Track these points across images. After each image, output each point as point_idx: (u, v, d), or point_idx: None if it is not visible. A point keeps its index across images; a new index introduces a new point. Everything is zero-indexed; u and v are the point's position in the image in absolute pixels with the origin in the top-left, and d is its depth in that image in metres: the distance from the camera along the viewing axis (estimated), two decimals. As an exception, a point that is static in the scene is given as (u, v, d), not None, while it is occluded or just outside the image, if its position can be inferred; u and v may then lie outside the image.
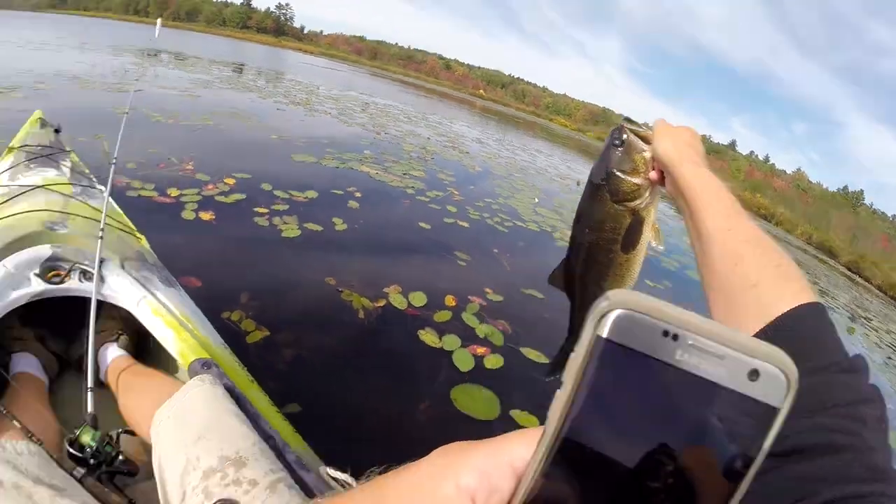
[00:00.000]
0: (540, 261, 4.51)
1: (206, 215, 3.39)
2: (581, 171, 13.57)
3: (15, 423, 1.06)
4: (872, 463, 0.40)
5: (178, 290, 1.63)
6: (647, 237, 0.87)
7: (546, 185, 8.54)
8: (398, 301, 2.95)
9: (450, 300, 3.14)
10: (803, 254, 16.86)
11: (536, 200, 6.57)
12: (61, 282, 1.46)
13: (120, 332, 1.61)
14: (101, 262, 1.49)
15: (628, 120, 0.85)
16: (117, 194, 3.27)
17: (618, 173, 0.84)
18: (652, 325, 0.21)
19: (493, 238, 4.60)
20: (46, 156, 2.29)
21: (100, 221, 1.68)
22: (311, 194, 4.21)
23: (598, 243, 0.90)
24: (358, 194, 4.50)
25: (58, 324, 1.67)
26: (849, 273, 17.78)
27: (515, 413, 2.40)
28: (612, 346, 0.21)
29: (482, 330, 2.94)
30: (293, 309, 2.70)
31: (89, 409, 1.22)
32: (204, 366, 1.29)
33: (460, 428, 2.26)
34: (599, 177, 0.86)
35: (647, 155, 0.82)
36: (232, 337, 2.34)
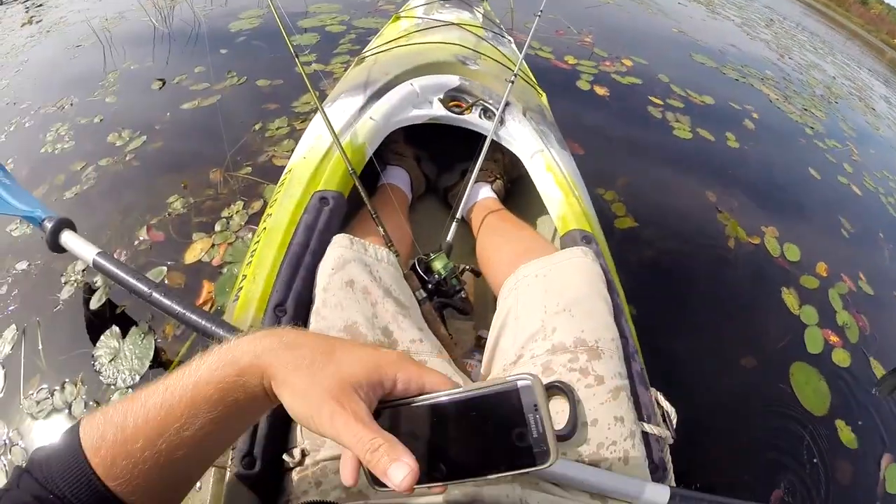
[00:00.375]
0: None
1: (600, 90, 3.40)
2: None
3: (380, 229, 1.07)
4: None
5: (568, 153, 1.55)
6: None
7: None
8: (772, 246, 2.69)
9: (821, 268, 2.77)
10: None
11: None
12: (461, 113, 1.49)
13: (499, 175, 1.61)
14: (507, 104, 1.49)
15: None
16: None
17: None
18: None
19: (883, 220, 3.85)
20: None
21: (509, 67, 1.69)
22: (708, 100, 3.90)
23: None
24: (755, 115, 4.05)
25: (437, 150, 1.74)
26: None
27: (840, 424, 2.10)
28: None
29: (842, 317, 2.56)
30: (666, 210, 2.61)
31: (449, 237, 1.23)
32: (584, 238, 1.23)
33: (780, 404, 2.06)
34: None
35: None
36: (600, 215, 2.36)
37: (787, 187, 3.32)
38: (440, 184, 1.73)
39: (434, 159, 1.74)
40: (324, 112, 1.25)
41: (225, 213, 2.03)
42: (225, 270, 1.83)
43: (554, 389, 0.85)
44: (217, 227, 1.98)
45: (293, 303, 0.93)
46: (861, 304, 2.74)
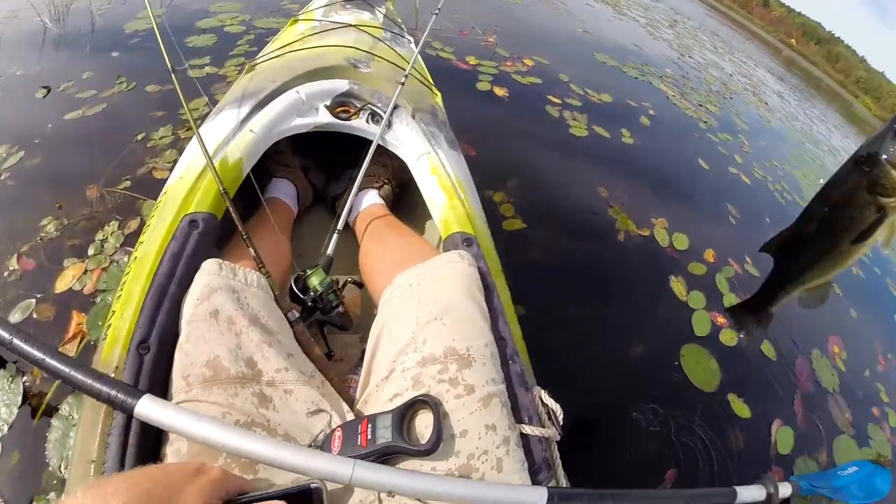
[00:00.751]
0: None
1: (499, 90, 3.47)
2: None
3: (251, 251, 1.03)
4: None
5: (458, 154, 1.54)
6: (880, 235, 0.84)
7: (835, 167, 7.32)
8: (661, 237, 2.82)
9: (709, 255, 2.93)
10: None
11: (821, 181, 5.68)
12: (348, 119, 1.45)
13: (386, 180, 1.58)
14: (395, 107, 1.47)
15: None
16: None
17: (887, 165, 0.79)
18: None
19: (770, 206, 4.12)
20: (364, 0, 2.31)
21: (403, 68, 1.67)
22: (606, 97, 4.07)
23: (831, 225, 0.89)
24: (651, 112, 4.24)
25: (326, 158, 1.69)
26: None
27: (732, 397, 2.24)
28: None
29: (730, 299, 2.72)
30: (556, 208, 2.68)
31: (329, 250, 1.19)
32: (465, 241, 1.21)
33: (672, 386, 2.16)
34: (864, 160, 0.82)
35: None
36: (488, 217, 2.36)
37: (679, 180, 3.50)
38: (328, 193, 1.68)
39: (323, 168, 1.71)
40: (196, 127, 1.19)
41: (99, 235, 1.90)
42: (98, 299, 1.71)
43: (419, 404, 0.83)
44: (90, 251, 1.85)
45: (157, 339, 0.89)
46: (747, 286, 2.90)
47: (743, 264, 3.05)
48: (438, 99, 1.89)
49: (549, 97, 3.66)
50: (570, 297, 2.30)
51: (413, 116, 1.50)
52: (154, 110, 2.60)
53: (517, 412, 0.93)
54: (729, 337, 2.50)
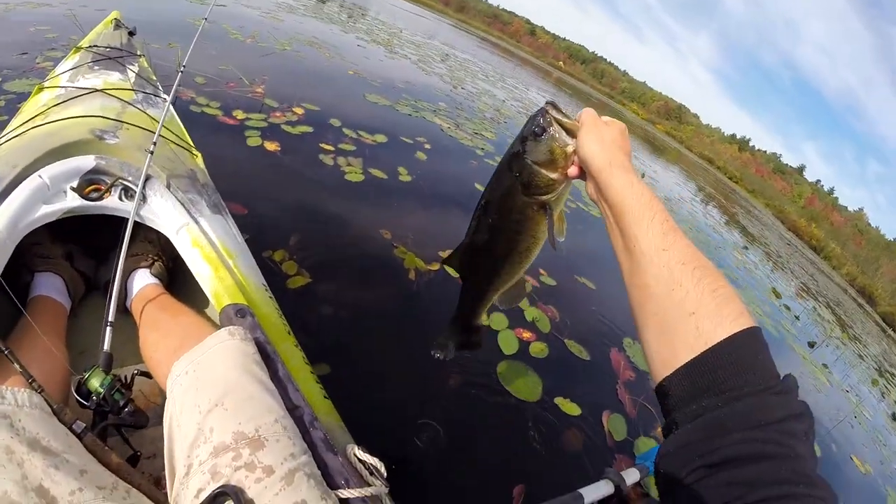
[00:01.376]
0: (600, 248, 4.28)
1: (270, 145, 3.26)
2: (650, 164, 13.02)
3: (15, 366, 0.95)
4: (800, 468, 0.45)
5: (225, 217, 1.50)
6: (552, 229, 0.82)
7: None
8: (451, 270, 2.80)
9: (503, 276, 2.98)
10: (842, 293, 16.11)
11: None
12: (100, 198, 1.34)
13: (156, 257, 1.51)
14: (147, 179, 1.37)
15: (553, 105, 0.79)
16: (180, 108, 3.13)
17: (534, 165, 0.79)
18: None
19: (568, 216, 4.41)
20: (114, 58, 2.14)
21: (154, 132, 1.54)
22: (381, 138, 4.05)
23: (501, 231, 0.88)
24: (427, 146, 4.31)
25: (91, 241, 1.57)
26: (883, 323, 17.08)
27: (559, 400, 2.29)
28: None
29: (531, 313, 2.78)
30: (342, 257, 2.56)
31: (105, 346, 1.10)
32: (238, 313, 1.17)
33: (497, 407, 2.15)
34: (513, 164, 0.80)
35: (570, 149, 0.77)
36: (270, 278, 2.15)
37: (462, 208, 3.54)
38: (100, 279, 1.54)
39: (89, 252, 1.55)
40: None
41: None
42: None
43: (221, 497, 0.79)
44: None
45: None
46: (547, 297, 3.00)
47: (539, 277, 3.15)
48: (199, 160, 1.80)
49: (321, 145, 3.53)
50: (372, 344, 2.19)
51: (168, 186, 1.42)
52: None
53: (330, 479, 0.91)
54: (539, 349, 2.54)
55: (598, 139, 0.74)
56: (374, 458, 0.98)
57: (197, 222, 1.37)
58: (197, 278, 1.28)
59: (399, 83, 6.13)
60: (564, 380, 2.43)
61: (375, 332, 2.24)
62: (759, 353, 0.54)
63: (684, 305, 0.58)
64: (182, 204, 1.39)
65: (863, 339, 9.69)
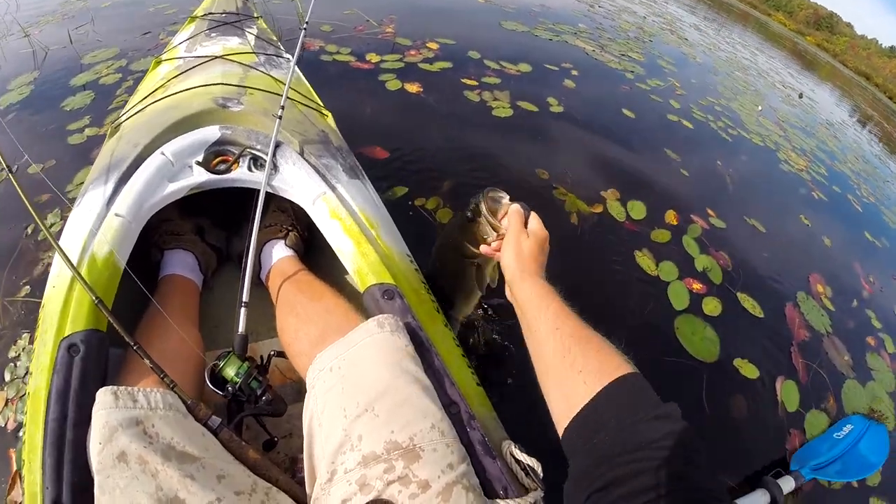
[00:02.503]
0: (765, 183, 3.80)
1: (411, 87, 3.07)
2: (803, 81, 11.51)
3: (146, 362, 0.92)
4: (675, 473, 0.54)
5: (363, 181, 1.40)
6: (482, 279, 1.16)
7: (768, 91, 7.27)
8: (616, 210, 2.54)
9: (671, 216, 2.68)
10: None
11: (760, 108, 5.58)
12: (228, 170, 1.28)
13: (290, 227, 1.42)
14: (277, 146, 1.30)
15: (491, 198, 1.03)
16: (309, 61, 3.04)
17: (462, 240, 1.08)
18: None
19: (717, 147, 3.93)
20: (230, 23, 2.06)
21: (280, 95, 1.46)
22: (525, 67, 3.73)
23: (447, 275, 1.21)
24: (574, 72, 3.95)
25: (223, 212, 1.51)
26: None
27: (739, 362, 2.08)
28: None
29: (702, 262, 2.48)
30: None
31: (241, 328, 1.05)
32: (385, 294, 1.07)
33: (674, 366, 1.97)
34: (453, 231, 1.12)
35: (490, 238, 1.03)
36: (426, 231, 2.10)
37: (619, 142, 3.22)
38: (233, 250, 1.49)
39: (221, 223, 1.50)
40: (52, 238, 1.02)
41: (11, 353, 1.63)
42: (23, 433, 1.43)
43: None
44: (6, 376, 1.57)
45: (70, 497, 0.80)
46: (717, 241, 2.68)
47: (707, 218, 2.82)
48: (330, 120, 1.69)
49: (463, 80, 3.30)
50: None
51: (301, 152, 1.32)
52: (40, 194, 2.14)
53: (488, 486, 0.86)
54: (712, 307, 2.27)
55: (516, 252, 0.91)
56: (532, 459, 0.92)
57: (334, 190, 1.28)
58: (338, 254, 1.20)
59: (534, 7, 5.67)
60: (740, 340, 2.19)
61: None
62: (638, 392, 0.64)
63: (574, 366, 0.70)
64: (316, 171, 1.30)
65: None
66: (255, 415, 1.01)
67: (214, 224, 1.49)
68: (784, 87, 8.64)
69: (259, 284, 1.32)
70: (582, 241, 2.33)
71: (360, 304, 1.10)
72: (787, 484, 1.48)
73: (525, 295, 0.85)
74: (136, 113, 1.47)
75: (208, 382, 1.00)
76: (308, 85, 1.85)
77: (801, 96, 8.30)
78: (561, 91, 3.60)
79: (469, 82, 3.29)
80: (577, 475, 0.62)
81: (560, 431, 0.69)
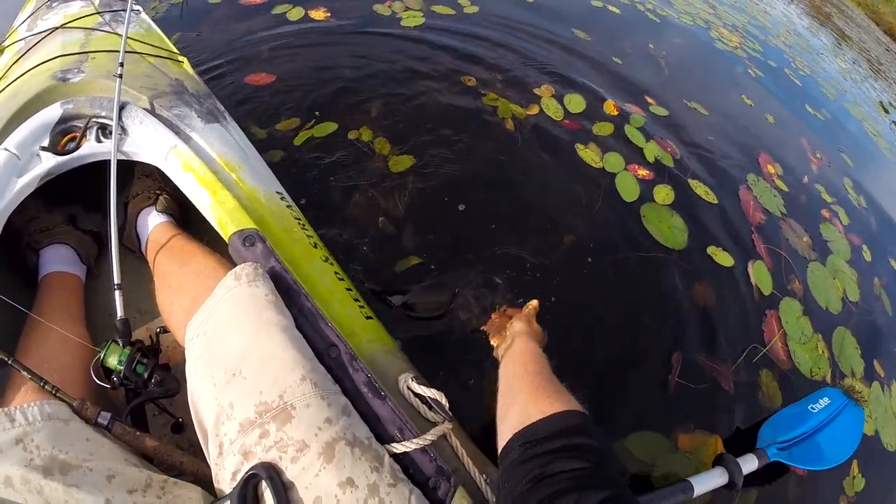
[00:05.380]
0: (700, 64, 3.69)
1: (316, 13, 2.64)
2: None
3: (24, 374, 0.89)
4: (579, 470, 0.67)
5: (223, 123, 1.34)
6: None
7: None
8: (552, 108, 2.35)
9: (610, 107, 2.52)
10: None
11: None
12: (77, 147, 1.19)
13: (157, 191, 1.35)
14: (122, 107, 1.21)
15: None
16: (193, 7, 2.68)
17: None
18: None
19: (646, 30, 3.74)
20: None
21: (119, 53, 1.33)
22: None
23: None
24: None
25: (96, 193, 1.35)
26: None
27: (712, 250, 2.02)
28: None
29: (651, 151, 2.35)
30: (430, 123, 2.15)
31: (119, 313, 1.00)
32: (246, 241, 1.02)
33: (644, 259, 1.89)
34: None
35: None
36: (370, 164, 1.91)
37: (544, 37, 2.97)
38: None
39: (95, 206, 1.40)
40: None
41: None
42: None
43: (252, 479, 0.72)
44: None
45: None
46: (662, 129, 2.55)
47: (647, 107, 2.68)
48: (186, 65, 1.61)
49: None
50: (466, 211, 1.87)
51: (151, 109, 1.25)
52: None
53: (380, 432, 0.82)
54: (664, 195, 2.15)
55: (500, 339, 1.26)
56: (432, 390, 0.92)
57: (189, 141, 1.22)
58: (199, 208, 1.13)
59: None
60: (706, 227, 2.14)
61: (465, 194, 1.90)
62: (568, 419, 0.77)
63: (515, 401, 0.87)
64: (169, 124, 1.23)
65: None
66: (148, 400, 0.97)
67: (87, 209, 1.40)
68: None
69: (144, 260, 1.27)
70: (521, 144, 2.15)
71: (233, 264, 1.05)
72: (749, 464, 1.40)
73: (520, 345, 1.10)
74: None
75: (93, 377, 0.97)
76: (160, 33, 1.72)
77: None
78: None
79: (377, -3, 2.94)
80: (511, 473, 0.73)
81: (501, 441, 0.82)
